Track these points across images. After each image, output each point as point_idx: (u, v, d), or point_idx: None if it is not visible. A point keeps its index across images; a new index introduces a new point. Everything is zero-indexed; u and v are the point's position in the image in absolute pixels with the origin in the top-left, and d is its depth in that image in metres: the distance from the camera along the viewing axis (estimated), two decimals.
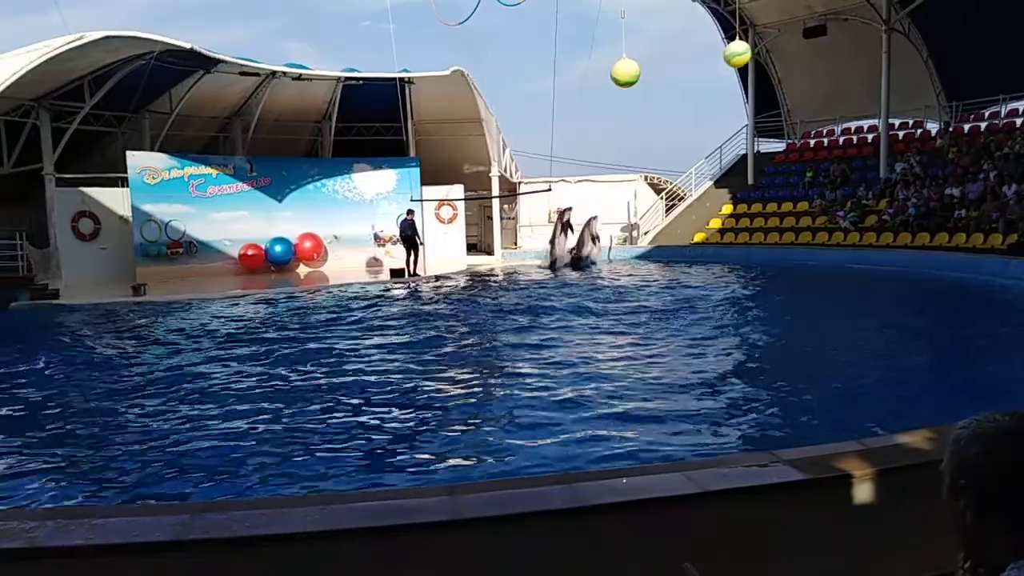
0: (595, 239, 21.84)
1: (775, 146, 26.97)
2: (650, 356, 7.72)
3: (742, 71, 24.59)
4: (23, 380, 7.58)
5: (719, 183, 25.86)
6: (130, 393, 6.94)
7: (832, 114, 25.17)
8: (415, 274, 18.61)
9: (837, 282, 15.83)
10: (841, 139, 25.03)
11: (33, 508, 3.82)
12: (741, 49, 18.28)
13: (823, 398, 5.83)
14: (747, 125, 25.85)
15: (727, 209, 24.12)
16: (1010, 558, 0.90)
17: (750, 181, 24.99)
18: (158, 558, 1.86)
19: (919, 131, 23.40)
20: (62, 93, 17.94)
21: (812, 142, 25.55)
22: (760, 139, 26.38)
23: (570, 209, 21.74)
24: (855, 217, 20.05)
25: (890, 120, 22.04)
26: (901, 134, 23.34)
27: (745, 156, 25.84)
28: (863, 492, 2.46)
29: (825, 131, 25.61)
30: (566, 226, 21.58)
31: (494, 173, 23.61)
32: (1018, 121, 20.74)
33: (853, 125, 25.15)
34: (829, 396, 5.89)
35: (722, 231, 23.22)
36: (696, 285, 15.13)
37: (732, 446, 4.62)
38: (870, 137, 23.86)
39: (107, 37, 15.65)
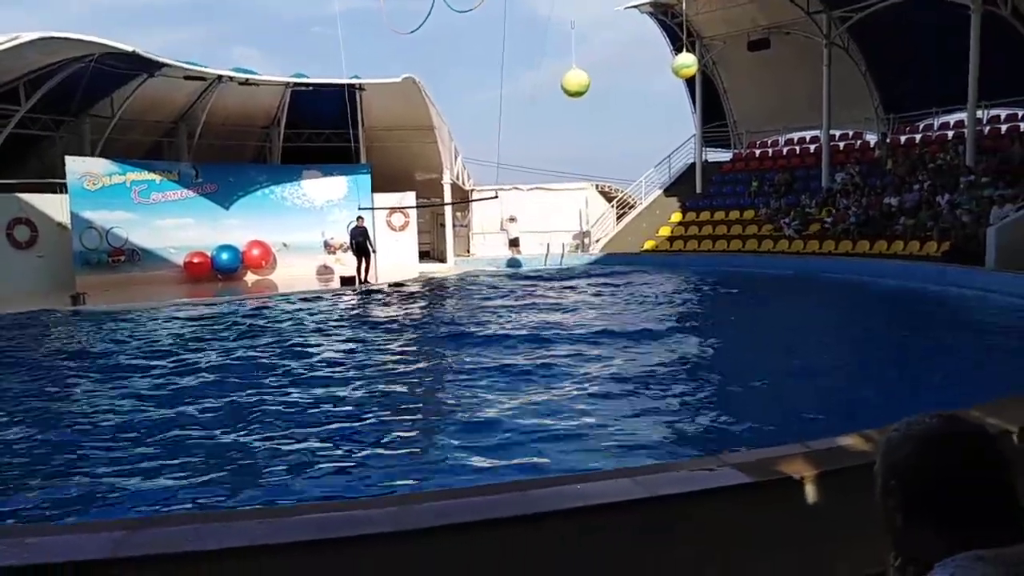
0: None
1: (722, 155, 27.60)
2: (598, 361, 7.78)
3: (690, 82, 25.09)
4: None
5: (668, 191, 26.31)
6: (63, 404, 6.69)
7: (776, 124, 25.88)
8: (366, 282, 18.40)
9: (782, 288, 16.23)
10: (785, 149, 25.76)
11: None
12: (688, 61, 18.66)
13: (767, 402, 5.96)
14: (695, 135, 26.37)
15: (676, 217, 24.54)
16: (937, 557, 0.92)
17: (698, 190, 25.49)
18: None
19: (859, 142, 24.23)
20: None
21: (757, 152, 26.22)
22: (708, 149, 26.95)
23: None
24: (799, 225, 20.60)
25: (831, 131, 22.76)
26: (842, 144, 24.13)
27: (693, 165, 26.35)
28: (807, 493, 2.52)
29: (770, 141, 26.32)
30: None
31: (446, 180, 23.57)
32: (950, 134, 21.64)
33: (796, 136, 25.91)
34: (772, 400, 6.03)
35: (672, 239, 23.61)
36: (645, 292, 15.33)
37: (680, 452, 4.69)
38: (813, 147, 24.60)
39: (43, 38, 15.17)
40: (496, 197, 17.75)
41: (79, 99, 18.89)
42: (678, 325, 10.63)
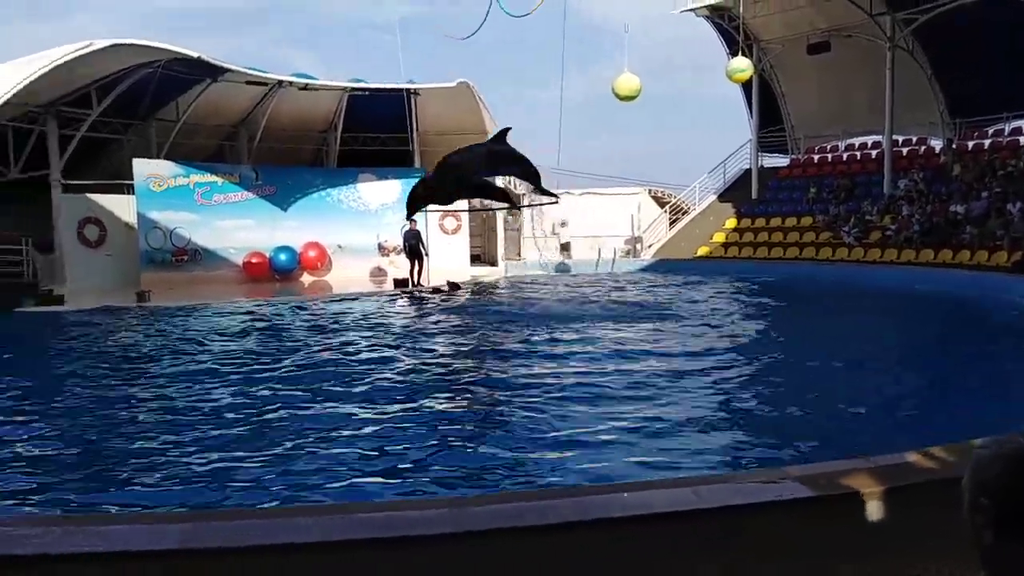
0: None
1: (779, 161, 27.06)
2: (654, 372, 7.69)
3: (746, 86, 24.69)
4: (27, 384, 7.58)
5: (723, 197, 25.91)
6: (132, 399, 6.93)
7: (836, 129, 25.24)
8: (419, 284, 18.59)
9: (842, 298, 15.81)
10: (845, 155, 25.09)
11: (39, 515, 3.82)
12: (743, 66, 18.37)
13: (830, 416, 5.80)
14: (751, 140, 25.93)
15: (731, 223, 24.15)
16: None
17: (754, 196, 25.04)
18: (162, 566, 1.84)
19: (923, 147, 23.44)
20: (70, 100, 18.04)
21: (816, 157, 25.61)
22: (764, 154, 26.47)
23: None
24: (859, 233, 20.06)
25: (894, 136, 22.10)
26: (905, 150, 23.38)
27: (749, 171, 25.90)
28: (872, 509, 2.45)
29: (829, 147, 25.67)
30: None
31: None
32: (1022, 139, 20.78)
33: (857, 141, 25.21)
34: (836, 413, 5.86)
35: (726, 245, 23.24)
36: (701, 299, 15.11)
37: (740, 463, 4.60)
38: (874, 153, 23.91)
39: (115, 45, 15.77)
40: (557, 201, 17.74)
41: (146, 103, 19.58)
42: (738, 335, 10.44)
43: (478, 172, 10.73)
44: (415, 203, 10.34)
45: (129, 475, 4.68)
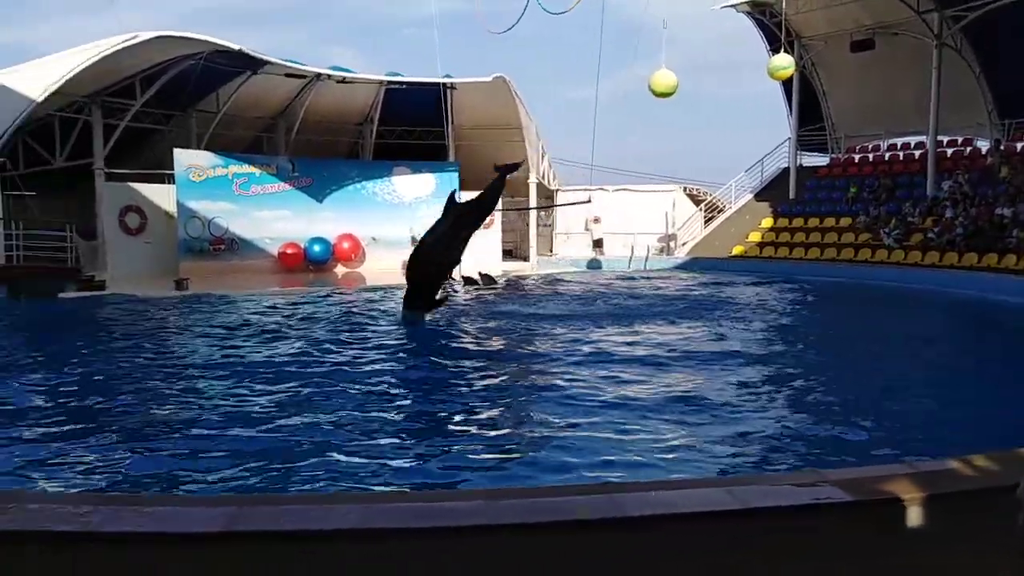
0: None
1: (818, 160, 26.61)
2: (687, 370, 7.63)
3: (786, 84, 24.31)
4: (71, 367, 7.78)
5: (760, 196, 25.57)
6: (175, 384, 7.07)
7: (878, 129, 24.72)
8: (451, 277, 18.65)
9: (881, 300, 15.51)
10: (887, 155, 24.55)
11: (86, 493, 3.92)
12: (785, 63, 18.08)
13: (868, 420, 5.70)
14: (790, 138, 25.53)
15: (767, 223, 23.83)
16: None
17: (791, 195, 24.66)
18: (206, 547, 1.89)
19: (968, 149, 22.85)
20: (114, 90, 18.45)
21: (856, 157, 25.12)
22: (803, 153, 26.04)
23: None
24: (899, 234, 19.65)
25: (939, 137, 21.58)
26: (950, 151, 22.80)
27: (787, 169, 25.51)
28: (913, 516, 2.40)
29: (871, 146, 25.15)
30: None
31: (532, 180, 23.65)
32: None
33: (900, 141, 24.67)
34: (874, 418, 5.75)
35: (761, 245, 22.94)
36: (736, 299, 14.94)
37: (774, 466, 4.54)
38: (917, 153, 23.37)
39: (159, 37, 16.09)
40: (589, 201, 17.61)
41: (188, 95, 19.93)
42: (775, 336, 10.32)
43: (455, 240, 11.53)
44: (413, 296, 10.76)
45: (172, 458, 4.78)
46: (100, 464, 4.65)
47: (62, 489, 4.19)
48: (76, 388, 6.93)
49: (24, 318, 12.70)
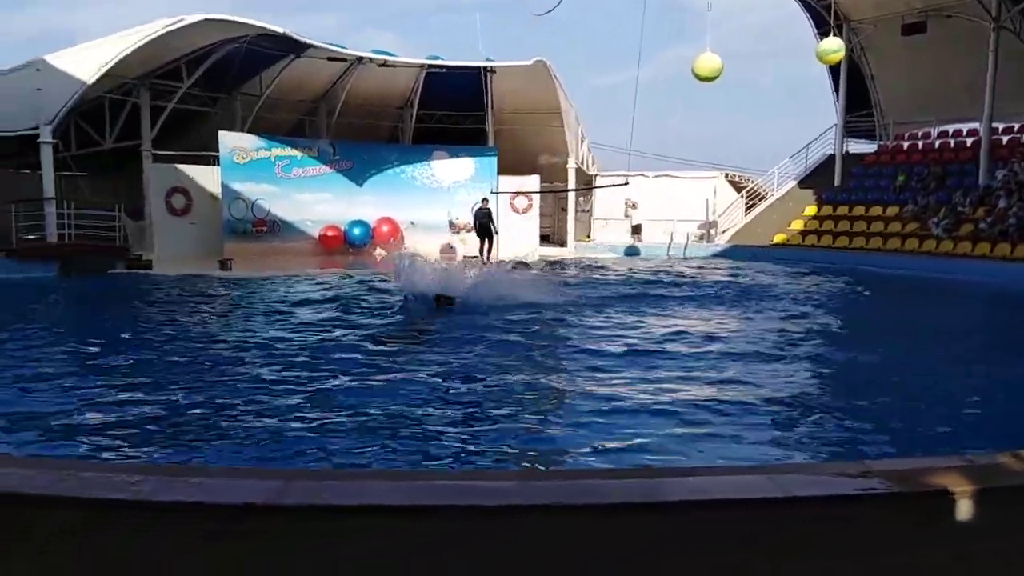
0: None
1: (865, 147, 25.95)
2: (730, 358, 7.54)
3: (833, 69, 23.72)
4: (122, 343, 8.01)
5: (803, 183, 25.07)
6: (221, 360, 7.23)
7: (928, 115, 23.98)
8: (488, 262, 18.70)
9: (928, 292, 15.13)
10: (937, 142, 23.83)
11: (138, 463, 4.05)
12: (835, 46, 17.64)
13: (916, 413, 5.57)
14: (836, 124, 24.94)
15: (811, 211, 23.36)
16: None
17: (837, 182, 24.12)
18: (253, 518, 1.93)
19: None
20: (162, 73, 18.79)
21: (905, 144, 24.43)
22: (849, 139, 25.42)
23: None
24: (948, 224, 19.11)
25: (993, 124, 20.86)
26: (1005, 139, 22.00)
27: (832, 156, 24.95)
28: (962, 509, 2.34)
29: (920, 133, 24.43)
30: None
31: (571, 165, 23.54)
32: None
33: (951, 128, 23.91)
34: (922, 412, 5.62)
35: (804, 233, 22.52)
36: (778, 287, 14.71)
37: (819, 455, 4.47)
38: (969, 141, 22.63)
39: (205, 20, 16.31)
40: (627, 184, 17.44)
41: (232, 78, 20.21)
42: (818, 325, 10.12)
43: None
44: None
45: (216, 432, 4.90)
46: (146, 434, 4.78)
47: (113, 458, 4.34)
48: (124, 360, 7.13)
49: (75, 294, 13.10)
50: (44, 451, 4.49)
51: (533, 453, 4.64)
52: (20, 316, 9.96)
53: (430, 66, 22.45)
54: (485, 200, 19.25)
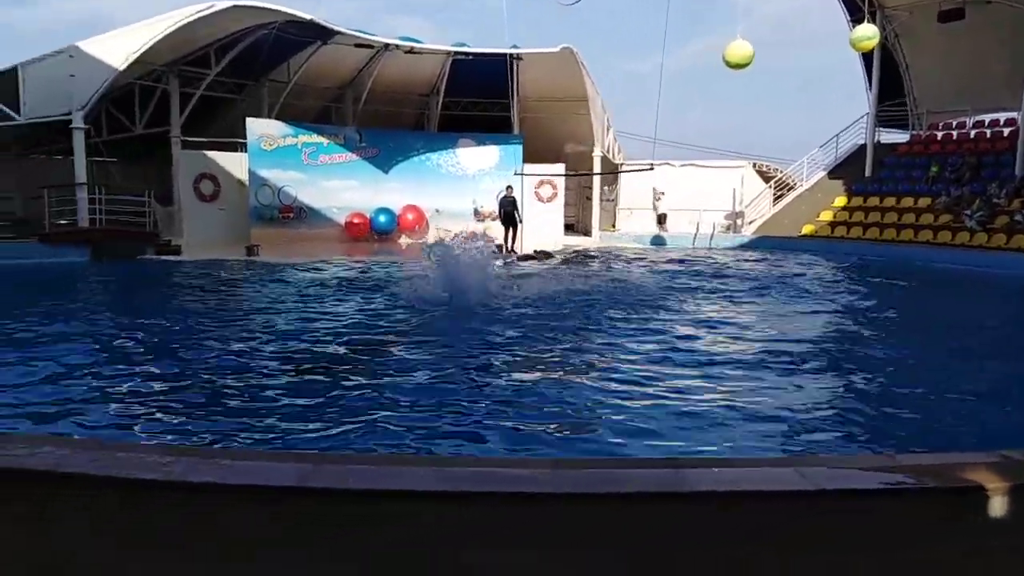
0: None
1: (897, 137, 25.44)
2: (753, 352, 7.47)
3: (866, 57, 23.27)
4: (155, 327, 8.13)
5: (833, 174, 24.67)
6: (249, 344, 7.32)
7: (964, 105, 23.45)
8: (512, 251, 18.71)
9: (961, 285, 14.85)
10: (973, 132, 23.31)
11: (169, 444, 4.12)
12: (870, 33, 17.31)
13: (948, 409, 5.47)
14: (868, 114, 24.49)
15: (840, 201, 23.01)
16: None
17: (867, 173, 23.71)
18: (280, 501, 1.95)
19: None
20: (191, 60, 18.95)
21: (939, 134, 23.92)
22: (881, 129, 24.95)
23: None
24: (983, 216, 18.71)
25: None
26: None
27: (864, 146, 24.50)
28: (995, 506, 2.30)
29: (955, 123, 23.90)
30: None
31: (596, 153, 23.40)
32: None
33: (988, 118, 23.37)
34: (953, 408, 5.52)
35: (833, 224, 22.19)
36: (805, 278, 14.53)
37: (846, 448, 4.42)
38: (1007, 131, 22.09)
39: (235, 7, 16.40)
40: (652, 168, 17.30)
41: (260, 64, 20.34)
42: (849, 318, 9.99)
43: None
44: None
45: (248, 414, 4.97)
46: (175, 417, 4.86)
47: (146, 440, 4.42)
48: (155, 344, 7.24)
49: (108, 277, 13.32)
50: (78, 431, 4.58)
51: (560, 441, 4.63)
52: (56, 299, 10.16)
53: (456, 53, 22.40)
54: (510, 188, 19.23)
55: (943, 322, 10.18)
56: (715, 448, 4.34)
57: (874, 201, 22.18)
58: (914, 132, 24.83)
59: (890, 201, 21.83)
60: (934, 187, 21.27)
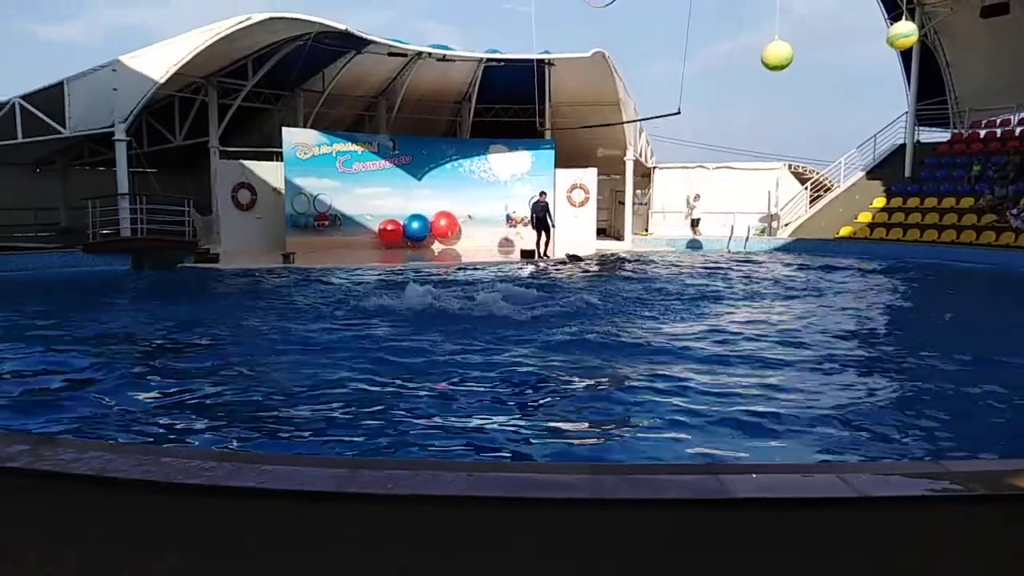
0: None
1: (937, 136, 24.88)
2: (797, 353, 7.35)
3: (905, 55, 22.83)
4: (195, 333, 8.29)
5: (871, 174, 24.22)
6: (287, 351, 7.41)
7: (1008, 103, 22.84)
8: (545, 255, 18.70)
9: (1008, 288, 14.44)
10: (1018, 130, 22.69)
11: (211, 450, 4.19)
12: (908, 30, 16.98)
13: (998, 415, 5.32)
14: (907, 113, 24.00)
15: (879, 203, 22.57)
16: None
17: (907, 173, 23.23)
18: (319, 506, 1.97)
19: None
20: (228, 71, 19.34)
21: (982, 132, 23.35)
22: (921, 128, 24.43)
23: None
24: None
25: None
26: None
27: (903, 146, 24.02)
28: None
29: (999, 121, 23.30)
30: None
31: (629, 157, 23.29)
32: None
33: None
34: (1004, 414, 5.36)
35: (872, 226, 21.78)
36: (846, 283, 14.27)
37: (892, 455, 4.32)
38: None
39: (271, 18, 16.70)
40: (679, 112, 16.69)
41: (295, 75, 20.67)
42: (887, 321, 9.81)
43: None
44: None
45: (288, 421, 5.03)
46: (225, 425, 4.94)
47: (189, 445, 4.50)
48: (197, 351, 7.38)
49: (150, 285, 13.62)
50: (124, 437, 4.68)
51: (596, 446, 4.61)
52: (96, 306, 10.42)
53: (488, 59, 22.50)
54: (543, 193, 19.26)
55: (999, 326, 9.89)
56: (749, 455, 4.27)
57: (914, 202, 21.72)
58: (955, 131, 24.27)
59: (931, 202, 21.35)
60: (977, 187, 20.77)
